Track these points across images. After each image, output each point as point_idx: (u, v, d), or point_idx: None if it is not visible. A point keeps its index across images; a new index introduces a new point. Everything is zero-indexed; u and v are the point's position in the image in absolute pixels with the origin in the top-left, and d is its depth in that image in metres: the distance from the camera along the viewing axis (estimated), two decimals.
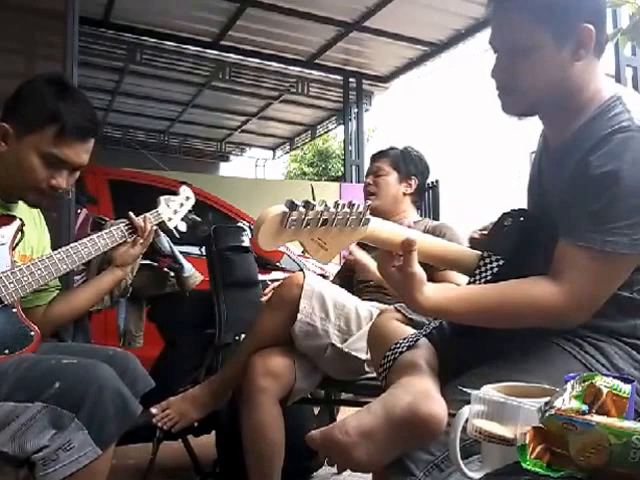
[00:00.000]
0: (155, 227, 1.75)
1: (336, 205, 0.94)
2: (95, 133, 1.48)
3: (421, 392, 0.99)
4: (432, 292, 1.09)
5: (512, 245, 1.16)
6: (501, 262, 1.16)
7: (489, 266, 1.17)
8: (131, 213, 1.68)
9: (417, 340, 1.15)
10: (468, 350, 1.17)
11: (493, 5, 1.15)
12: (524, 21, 1.09)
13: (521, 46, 1.11)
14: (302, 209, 0.90)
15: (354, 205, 0.96)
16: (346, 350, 1.74)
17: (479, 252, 1.21)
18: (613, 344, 1.09)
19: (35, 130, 1.40)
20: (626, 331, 1.10)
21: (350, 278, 2.17)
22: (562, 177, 1.12)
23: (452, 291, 1.15)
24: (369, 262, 1.96)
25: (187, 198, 1.88)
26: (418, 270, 1.07)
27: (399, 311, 1.27)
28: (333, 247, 0.99)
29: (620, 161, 1.01)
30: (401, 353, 1.13)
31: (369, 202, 1.01)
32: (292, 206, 0.90)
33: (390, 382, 1.09)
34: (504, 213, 1.22)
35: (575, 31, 1.08)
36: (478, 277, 1.18)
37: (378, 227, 1.06)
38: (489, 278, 1.16)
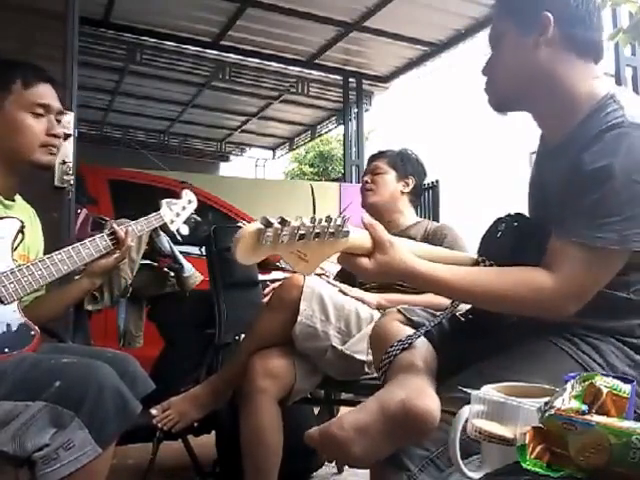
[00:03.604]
0: (156, 227, 1.76)
1: (312, 220, 0.99)
2: (50, 77, 1.56)
3: (415, 389, 1.01)
4: (423, 262, 1.11)
5: (505, 250, 1.18)
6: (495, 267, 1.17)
7: None
8: (115, 225, 1.62)
9: (414, 340, 1.16)
10: (467, 349, 1.18)
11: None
12: (498, 15, 1.23)
13: (495, 37, 1.22)
14: (277, 225, 0.94)
15: (332, 219, 1.00)
16: (346, 352, 1.74)
17: (474, 257, 1.22)
18: (610, 343, 1.10)
19: (5, 93, 1.47)
20: (623, 331, 1.11)
21: (350, 279, 2.17)
22: (558, 177, 1.13)
23: (446, 266, 1.15)
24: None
25: (189, 202, 1.89)
26: (396, 239, 1.10)
27: (400, 312, 1.27)
28: (314, 259, 1.03)
29: (613, 157, 1.02)
30: (399, 352, 1.14)
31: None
32: (267, 223, 0.94)
33: (388, 381, 1.11)
34: (498, 218, 1.24)
35: (536, 19, 1.14)
36: None
37: (360, 238, 1.08)
38: None
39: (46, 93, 1.52)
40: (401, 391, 1.01)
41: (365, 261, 1.09)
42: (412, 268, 1.10)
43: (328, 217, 1.00)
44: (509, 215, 1.24)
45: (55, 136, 1.52)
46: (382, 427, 0.98)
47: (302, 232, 0.98)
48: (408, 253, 1.11)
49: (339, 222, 1.01)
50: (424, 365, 1.10)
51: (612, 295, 1.09)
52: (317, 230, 0.99)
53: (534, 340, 1.12)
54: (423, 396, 0.99)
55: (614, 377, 0.80)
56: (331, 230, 1.01)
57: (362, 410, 1.02)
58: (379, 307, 1.84)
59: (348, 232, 1.04)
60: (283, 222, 0.95)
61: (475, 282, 1.10)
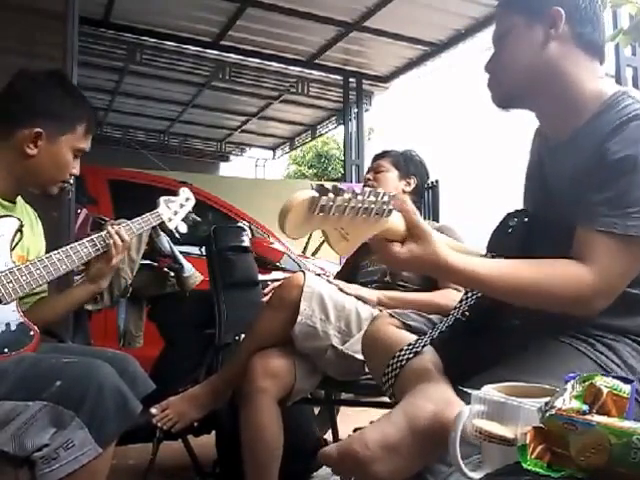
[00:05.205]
0: (156, 226, 1.76)
1: (363, 193, 0.90)
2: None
3: (442, 399, 0.96)
4: (457, 255, 1.04)
5: (516, 245, 1.16)
6: None
7: None
8: (110, 226, 1.63)
9: (426, 344, 1.12)
10: (469, 353, 1.15)
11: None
12: (504, 12, 1.23)
13: (501, 33, 1.22)
14: (331, 194, 0.85)
15: (379, 194, 0.91)
16: (346, 351, 1.74)
17: (482, 253, 1.21)
18: (625, 343, 1.08)
19: (69, 131, 1.53)
20: (636, 330, 1.09)
21: (350, 279, 2.17)
22: (570, 170, 1.12)
23: (480, 259, 1.10)
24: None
25: (187, 199, 1.88)
26: (431, 229, 1.02)
27: (393, 316, 1.25)
28: (354, 238, 0.95)
29: (637, 146, 1.02)
30: (408, 360, 1.10)
31: (392, 192, 0.97)
32: (322, 190, 0.84)
33: (400, 391, 1.07)
34: (508, 214, 1.22)
35: (546, 13, 1.15)
36: None
37: (397, 220, 1.00)
38: None
39: (89, 143, 1.60)
40: (428, 403, 0.96)
41: (397, 248, 1.00)
42: (445, 261, 1.01)
43: (376, 191, 0.91)
44: (520, 211, 1.22)
45: (72, 176, 1.60)
46: (412, 443, 0.93)
47: (352, 205, 0.88)
48: (441, 244, 1.03)
49: (386, 198, 0.92)
50: (438, 371, 1.06)
51: (624, 292, 1.06)
52: (365, 205, 0.90)
53: (546, 342, 1.08)
54: (453, 406, 0.93)
55: (614, 377, 0.80)
56: (377, 206, 0.91)
57: (387, 425, 0.95)
58: (379, 303, 1.84)
59: (392, 211, 0.94)
60: (337, 190, 0.85)
61: (513, 277, 1.04)
